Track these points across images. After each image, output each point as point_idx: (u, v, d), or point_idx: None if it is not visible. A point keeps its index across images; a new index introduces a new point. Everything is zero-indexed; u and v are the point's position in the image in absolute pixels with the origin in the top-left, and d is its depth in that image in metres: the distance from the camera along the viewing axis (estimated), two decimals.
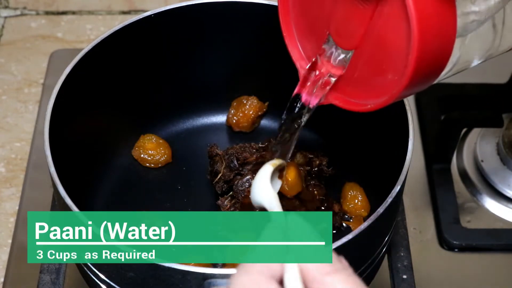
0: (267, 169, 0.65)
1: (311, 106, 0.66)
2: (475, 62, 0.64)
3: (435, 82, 0.61)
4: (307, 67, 0.66)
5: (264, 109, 0.91)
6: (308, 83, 0.66)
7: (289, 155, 0.70)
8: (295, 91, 0.67)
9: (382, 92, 0.61)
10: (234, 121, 0.90)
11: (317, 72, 0.66)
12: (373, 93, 0.62)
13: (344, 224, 0.82)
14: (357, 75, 0.63)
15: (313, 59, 0.66)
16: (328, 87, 0.65)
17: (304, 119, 0.67)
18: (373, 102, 0.62)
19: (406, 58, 0.57)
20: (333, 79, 0.65)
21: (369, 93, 0.63)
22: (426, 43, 0.56)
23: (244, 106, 0.90)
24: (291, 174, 0.77)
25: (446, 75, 0.61)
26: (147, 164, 0.88)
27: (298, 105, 0.67)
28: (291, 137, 0.69)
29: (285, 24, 0.68)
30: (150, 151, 0.88)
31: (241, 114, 0.90)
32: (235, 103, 0.91)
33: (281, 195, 0.77)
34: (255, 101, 0.90)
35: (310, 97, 0.66)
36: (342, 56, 0.64)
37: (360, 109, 0.64)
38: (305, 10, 0.66)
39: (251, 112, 0.90)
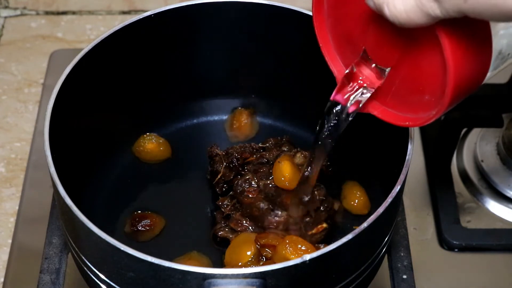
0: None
1: (349, 113, 0.66)
2: None
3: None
4: (345, 74, 0.66)
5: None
6: (347, 90, 0.66)
7: (322, 162, 0.71)
8: (332, 97, 0.66)
9: (420, 108, 0.61)
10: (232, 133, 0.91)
11: (356, 82, 0.65)
12: (411, 108, 0.63)
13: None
14: (394, 90, 0.63)
15: (350, 69, 0.65)
16: (366, 96, 0.65)
17: (343, 126, 0.67)
18: (411, 115, 0.63)
19: (442, 84, 0.57)
20: (371, 90, 0.65)
21: (407, 107, 0.63)
22: (461, 79, 0.56)
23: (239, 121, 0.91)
24: (286, 169, 0.77)
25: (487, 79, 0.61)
26: (147, 164, 0.88)
27: (335, 111, 0.66)
28: (328, 144, 0.69)
29: (321, 34, 0.67)
30: (150, 151, 0.88)
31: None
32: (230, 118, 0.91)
33: (282, 190, 0.78)
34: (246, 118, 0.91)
35: (349, 105, 0.66)
36: (380, 69, 0.64)
37: (398, 123, 0.64)
38: (340, 22, 0.66)
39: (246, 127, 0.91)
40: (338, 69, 0.68)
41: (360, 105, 0.65)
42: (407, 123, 0.64)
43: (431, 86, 0.59)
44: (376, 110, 0.66)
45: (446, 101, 0.57)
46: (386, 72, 0.63)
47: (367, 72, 0.64)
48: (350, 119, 0.67)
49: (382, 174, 0.78)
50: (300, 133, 0.89)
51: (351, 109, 0.66)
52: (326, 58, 0.68)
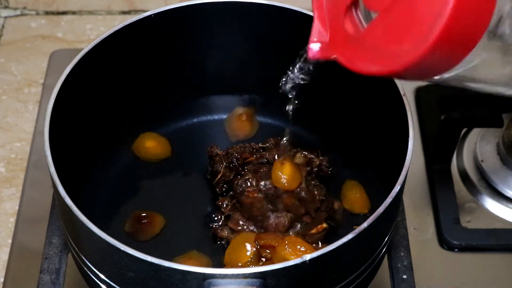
0: None
1: (311, 57, 0.64)
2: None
3: (451, 70, 0.59)
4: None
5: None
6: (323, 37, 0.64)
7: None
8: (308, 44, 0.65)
9: (392, 62, 0.58)
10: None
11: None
12: (382, 61, 0.59)
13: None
14: (371, 39, 0.60)
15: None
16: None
17: (303, 75, 0.66)
18: (378, 68, 0.59)
19: (431, 27, 0.54)
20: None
21: (377, 59, 0.60)
22: (460, 13, 0.54)
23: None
24: (286, 169, 0.77)
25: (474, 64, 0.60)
26: (147, 163, 0.88)
27: (301, 58, 0.66)
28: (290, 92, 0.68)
29: None
30: (150, 150, 0.88)
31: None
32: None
33: (282, 190, 0.78)
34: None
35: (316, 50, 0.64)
36: (361, 16, 0.62)
37: (361, 70, 0.61)
38: None
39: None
40: (319, 14, 0.66)
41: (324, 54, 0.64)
42: (373, 69, 0.60)
43: (418, 29, 0.57)
44: (343, 57, 0.63)
45: (433, 36, 0.54)
46: (367, 20, 0.61)
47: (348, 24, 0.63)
48: (311, 65, 0.66)
49: (382, 174, 0.78)
50: (300, 133, 0.89)
51: (313, 54, 0.64)
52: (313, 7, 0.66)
